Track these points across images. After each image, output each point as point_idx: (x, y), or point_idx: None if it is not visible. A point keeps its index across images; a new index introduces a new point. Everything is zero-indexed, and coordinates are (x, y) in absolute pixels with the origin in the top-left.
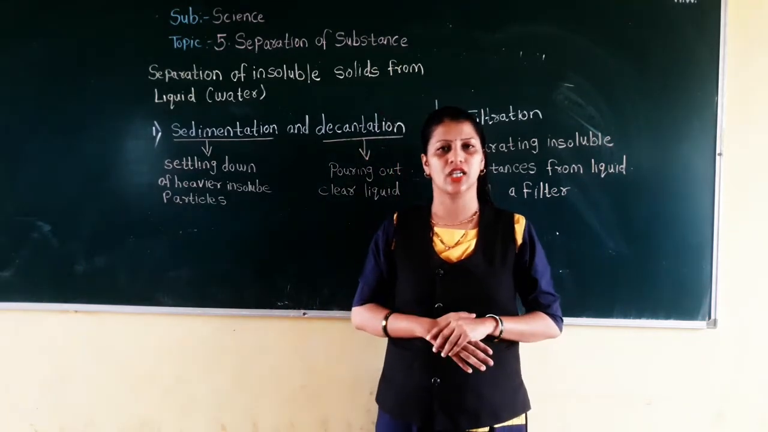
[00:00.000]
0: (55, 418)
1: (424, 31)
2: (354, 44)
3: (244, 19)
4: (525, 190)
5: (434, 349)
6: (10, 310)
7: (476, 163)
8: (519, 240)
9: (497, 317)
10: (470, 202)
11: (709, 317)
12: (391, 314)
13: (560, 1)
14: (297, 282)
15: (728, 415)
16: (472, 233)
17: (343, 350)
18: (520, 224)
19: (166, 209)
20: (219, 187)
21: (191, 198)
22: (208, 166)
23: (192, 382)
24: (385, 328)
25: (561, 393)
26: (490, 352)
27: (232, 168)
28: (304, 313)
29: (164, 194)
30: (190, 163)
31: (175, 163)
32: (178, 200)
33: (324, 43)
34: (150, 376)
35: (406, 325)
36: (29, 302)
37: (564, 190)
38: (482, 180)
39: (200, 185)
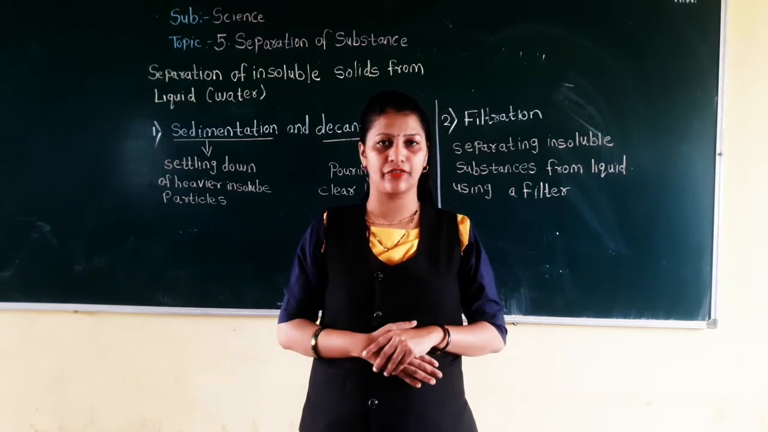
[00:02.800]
0: (55, 418)
1: (424, 31)
2: (354, 44)
3: (244, 19)
4: (525, 190)
5: (375, 369)
6: (10, 310)
7: (419, 161)
8: (465, 241)
9: (443, 327)
10: (410, 201)
11: (709, 317)
12: (322, 331)
13: (560, 1)
14: None
15: (728, 415)
16: (414, 233)
17: None
18: (464, 224)
19: (166, 209)
20: (219, 187)
21: (191, 198)
22: (208, 166)
23: (192, 381)
24: (315, 348)
25: (561, 393)
26: (437, 364)
27: (232, 168)
28: None
29: (164, 194)
30: (190, 163)
31: (175, 163)
32: (178, 200)
33: (324, 43)
34: (150, 376)
35: (340, 344)
36: (29, 302)
37: (564, 190)
38: (425, 178)
39: (200, 185)
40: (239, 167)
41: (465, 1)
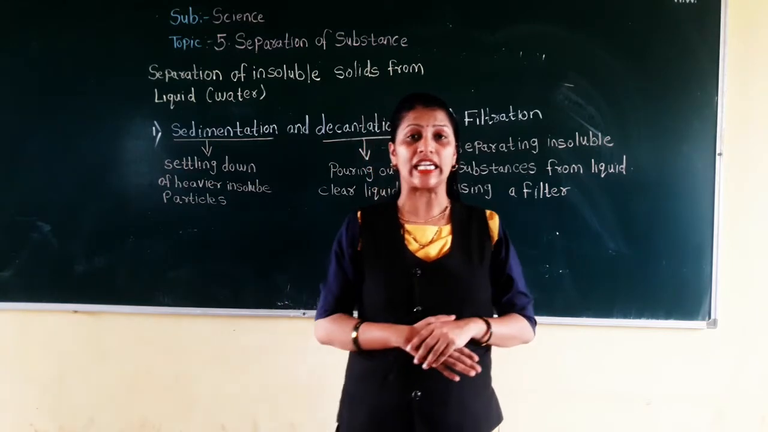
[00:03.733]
0: (55, 418)
1: (424, 31)
2: (354, 44)
3: (244, 19)
4: (525, 190)
5: (416, 361)
6: (10, 310)
7: (448, 156)
8: (495, 236)
9: (486, 319)
10: (441, 198)
11: (709, 317)
12: (362, 324)
13: (560, 1)
14: (297, 282)
15: (728, 415)
16: (446, 229)
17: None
18: (494, 220)
19: (166, 209)
20: (219, 187)
21: (191, 198)
22: (208, 166)
23: (192, 382)
24: (356, 341)
25: (561, 393)
26: (476, 358)
27: (232, 168)
28: (304, 313)
29: (164, 194)
30: (190, 163)
31: (175, 163)
32: (178, 200)
33: (324, 43)
34: (150, 376)
35: (381, 335)
36: (29, 302)
37: (564, 190)
38: (452, 177)
39: (200, 185)
40: (239, 167)
41: (465, 1)
